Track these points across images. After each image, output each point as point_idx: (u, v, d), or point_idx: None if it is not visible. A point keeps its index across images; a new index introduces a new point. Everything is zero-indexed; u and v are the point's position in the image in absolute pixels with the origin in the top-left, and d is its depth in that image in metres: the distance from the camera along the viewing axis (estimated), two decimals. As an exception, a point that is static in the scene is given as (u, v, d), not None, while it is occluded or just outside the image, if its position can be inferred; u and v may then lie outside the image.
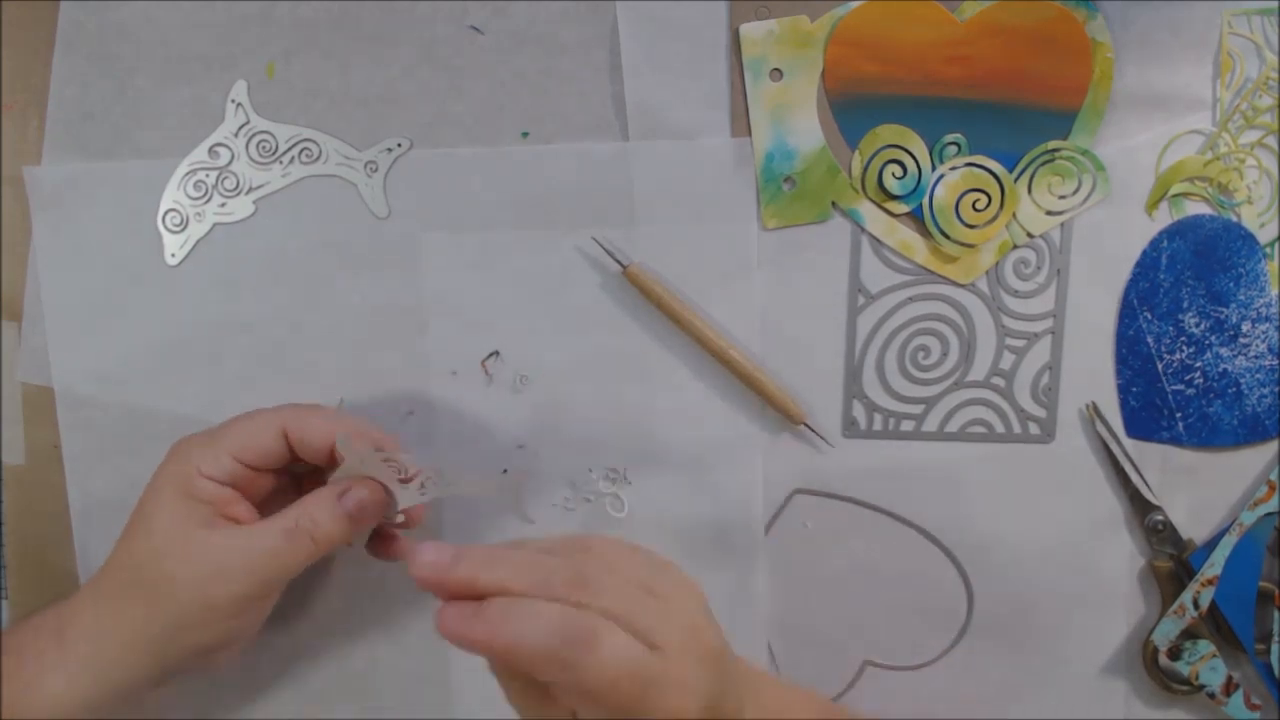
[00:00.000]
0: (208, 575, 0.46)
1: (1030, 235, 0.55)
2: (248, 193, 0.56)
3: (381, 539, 0.51)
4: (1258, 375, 0.55)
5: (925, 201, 0.55)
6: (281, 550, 0.47)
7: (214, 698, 0.59)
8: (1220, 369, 0.55)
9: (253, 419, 0.49)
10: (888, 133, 0.55)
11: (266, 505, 0.50)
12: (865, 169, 0.55)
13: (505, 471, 0.57)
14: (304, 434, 0.49)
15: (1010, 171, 0.54)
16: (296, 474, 0.53)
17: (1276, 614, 0.54)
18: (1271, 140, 0.54)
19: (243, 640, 0.50)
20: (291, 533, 0.47)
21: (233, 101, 0.56)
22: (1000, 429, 0.56)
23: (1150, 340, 0.55)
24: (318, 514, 0.47)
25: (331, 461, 0.49)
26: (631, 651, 0.40)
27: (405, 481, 0.48)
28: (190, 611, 0.47)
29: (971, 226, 0.55)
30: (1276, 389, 0.55)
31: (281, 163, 0.56)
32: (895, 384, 0.56)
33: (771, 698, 0.50)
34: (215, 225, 0.57)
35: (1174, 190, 0.54)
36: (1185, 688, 0.56)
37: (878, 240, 0.56)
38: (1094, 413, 0.55)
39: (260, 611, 0.50)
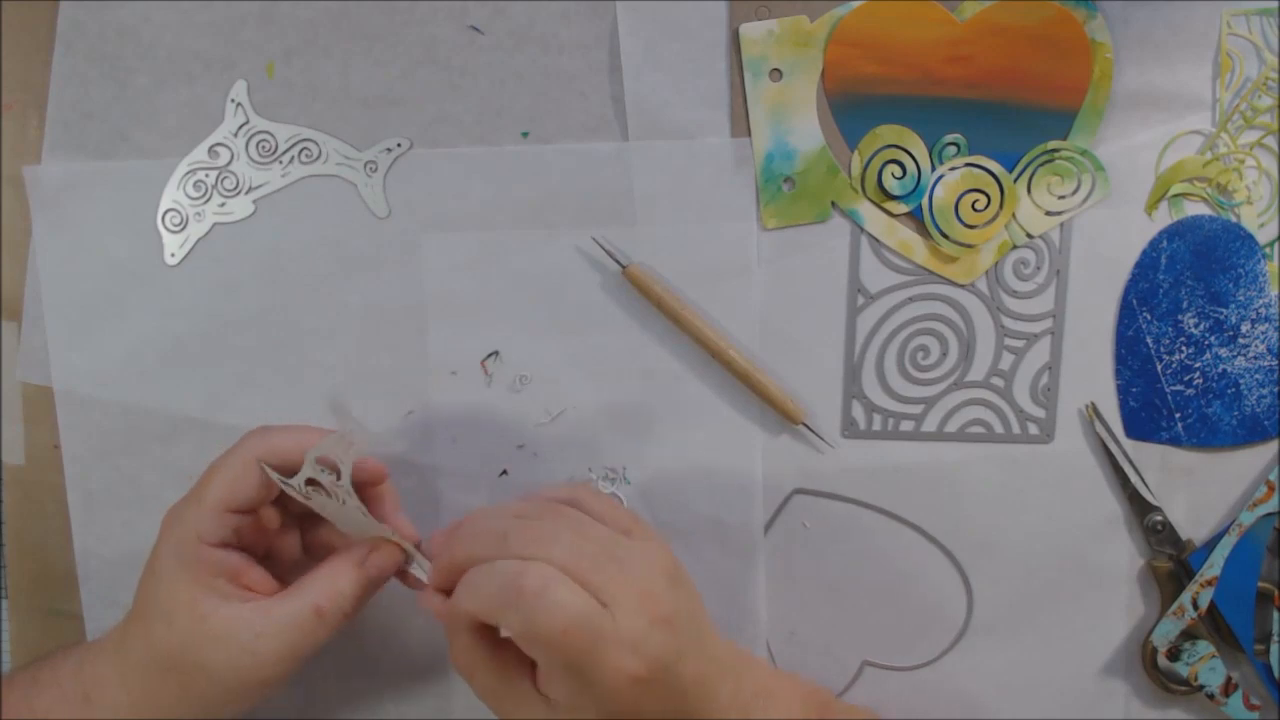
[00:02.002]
0: (241, 663, 0.46)
1: (1030, 235, 0.55)
2: (247, 192, 0.56)
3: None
4: (1257, 376, 0.55)
5: (925, 202, 0.55)
6: (313, 629, 0.47)
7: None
8: (1219, 369, 0.55)
9: (228, 463, 0.48)
10: (887, 133, 0.55)
11: (277, 540, 0.50)
12: (865, 169, 0.55)
13: (505, 472, 0.57)
14: (281, 458, 0.47)
15: (1010, 172, 0.54)
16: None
17: (1276, 614, 0.54)
18: (1271, 140, 0.54)
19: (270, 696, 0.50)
20: (321, 611, 0.47)
21: (232, 101, 0.56)
22: (999, 429, 0.56)
23: (1150, 341, 0.55)
24: (344, 587, 0.47)
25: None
26: (579, 601, 0.42)
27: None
28: (225, 693, 0.47)
29: (971, 227, 0.55)
30: (1276, 389, 0.55)
31: (281, 163, 0.56)
32: (894, 384, 0.56)
33: (755, 679, 0.50)
34: (215, 225, 0.57)
35: (1173, 190, 0.54)
36: (1184, 688, 0.56)
37: (877, 240, 0.56)
38: (1093, 413, 0.56)
39: (290, 676, 0.49)
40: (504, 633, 0.43)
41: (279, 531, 0.51)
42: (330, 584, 0.47)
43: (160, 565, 0.47)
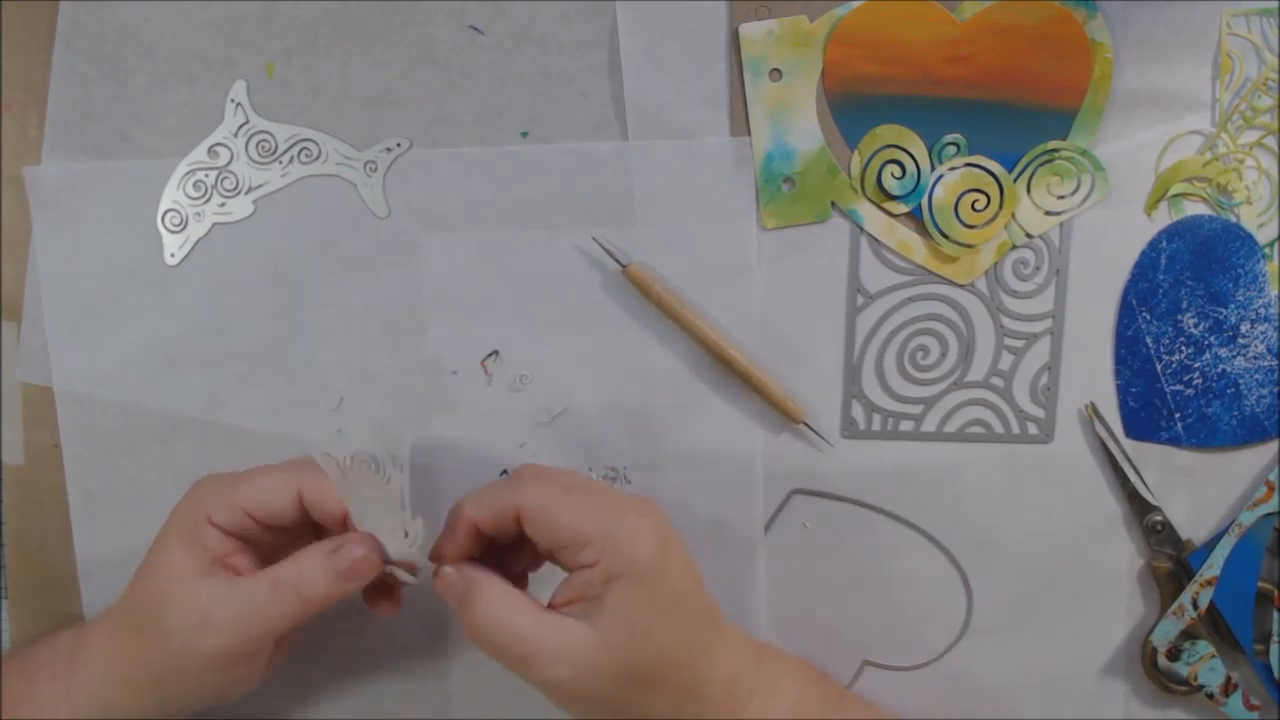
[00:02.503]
0: (194, 626, 0.46)
1: (1029, 235, 0.55)
2: (247, 193, 0.56)
3: (379, 591, 0.50)
4: (1256, 376, 0.55)
5: (924, 202, 0.55)
6: (266, 604, 0.46)
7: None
8: (1219, 369, 0.55)
9: (271, 475, 0.48)
10: (887, 133, 0.55)
11: (275, 559, 0.49)
12: (864, 169, 0.55)
13: (505, 472, 0.57)
14: (320, 500, 0.47)
15: (1009, 172, 0.54)
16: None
17: (1275, 614, 0.54)
18: (1271, 141, 0.54)
19: (241, 690, 0.49)
20: (277, 584, 0.46)
21: (232, 101, 0.56)
22: (999, 429, 0.56)
23: (1149, 341, 0.55)
24: (307, 570, 0.46)
25: (344, 528, 0.48)
26: (572, 479, 0.47)
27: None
28: (180, 662, 0.46)
29: (970, 227, 0.55)
30: (1275, 389, 0.55)
31: (281, 163, 0.56)
32: (894, 384, 0.56)
33: (761, 646, 0.52)
34: (215, 225, 0.57)
35: (1173, 191, 0.54)
36: (1184, 688, 0.56)
37: (877, 240, 0.56)
38: (1093, 413, 0.56)
39: (252, 667, 0.49)
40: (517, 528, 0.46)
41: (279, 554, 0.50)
42: (295, 564, 0.47)
43: (167, 526, 0.48)
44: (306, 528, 0.50)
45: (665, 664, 0.45)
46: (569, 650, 0.44)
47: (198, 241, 0.57)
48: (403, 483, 0.47)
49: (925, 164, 0.55)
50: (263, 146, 0.56)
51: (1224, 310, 0.55)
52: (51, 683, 0.48)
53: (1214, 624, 0.55)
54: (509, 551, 0.50)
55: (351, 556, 0.46)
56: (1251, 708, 0.55)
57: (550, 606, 0.46)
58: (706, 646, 0.46)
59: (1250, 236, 0.54)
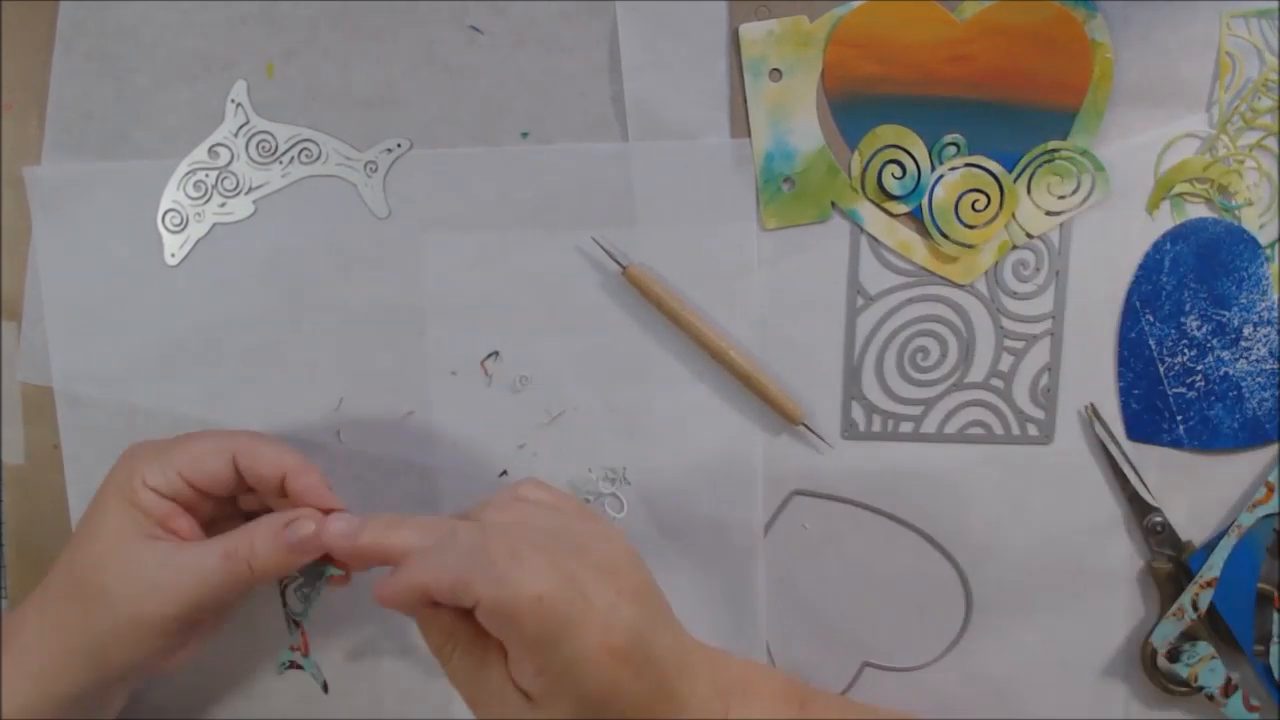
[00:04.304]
0: (141, 591, 0.46)
1: (1030, 235, 0.55)
2: (247, 193, 0.56)
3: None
4: (1259, 379, 0.55)
5: (924, 202, 0.55)
6: (216, 572, 0.46)
7: (211, 696, 0.59)
8: (1222, 372, 0.55)
9: (205, 439, 0.48)
10: (887, 133, 0.55)
11: (211, 530, 0.49)
12: (865, 169, 0.55)
13: (505, 472, 0.57)
14: (254, 464, 0.48)
15: (1010, 172, 0.54)
16: (248, 512, 0.52)
17: (1275, 615, 0.54)
18: (1271, 142, 0.54)
19: (185, 656, 0.49)
20: (230, 555, 0.46)
21: (232, 101, 0.56)
22: (999, 431, 0.56)
23: (1152, 343, 0.55)
24: (259, 541, 0.46)
25: (280, 495, 0.48)
26: (551, 568, 0.41)
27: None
28: (122, 626, 0.46)
29: (971, 227, 0.55)
30: (1277, 393, 0.54)
31: (281, 163, 0.56)
32: (894, 385, 0.56)
33: (731, 668, 0.50)
34: (215, 225, 0.57)
35: (1175, 191, 0.54)
36: (1184, 689, 0.56)
37: (877, 240, 0.55)
38: (1093, 414, 0.55)
39: (197, 633, 0.49)
40: (472, 607, 0.42)
41: (213, 525, 0.50)
42: (246, 534, 0.47)
43: (100, 494, 0.48)
44: (237, 514, 0.51)
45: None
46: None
47: (198, 242, 0.57)
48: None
49: (925, 164, 0.55)
50: (263, 147, 0.56)
51: (1227, 313, 0.55)
52: None
53: (1214, 625, 0.55)
54: None
55: (304, 533, 0.46)
56: (1252, 709, 0.55)
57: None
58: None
59: (1254, 240, 0.54)
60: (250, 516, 0.49)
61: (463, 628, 0.44)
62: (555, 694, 0.41)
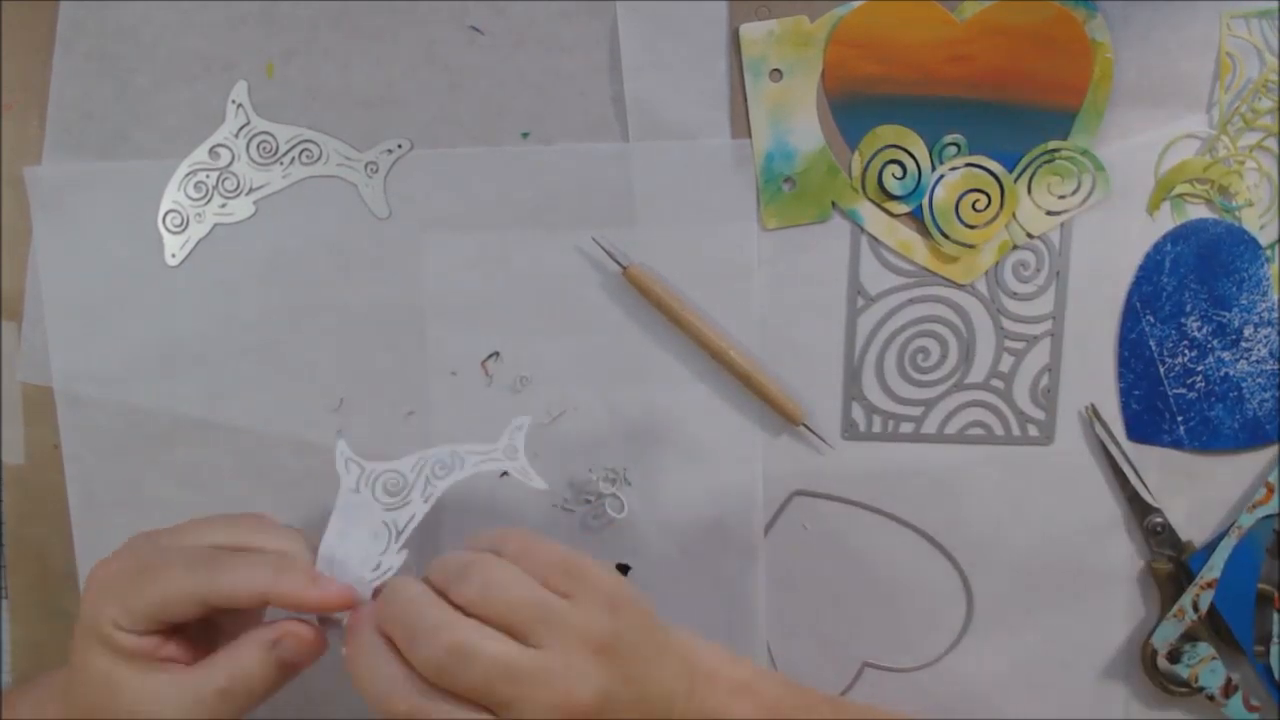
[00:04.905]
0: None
1: (1030, 235, 0.55)
2: (248, 193, 0.56)
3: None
4: (1259, 380, 0.55)
5: (925, 202, 0.55)
6: (221, 708, 0.44)
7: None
8: (1222, 373, 0.55)
9: (174, 579, 0.44)
10: (887, 133, 0.54)
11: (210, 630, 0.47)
12: (865, 169, 0.55)
13: (504, 474, 0.57)
14: (232, 601, 0.44)
15: (1010, 172, 0.54)
16: None
17: (1276, 616, 0.54)
18: (1271, 143, 0.54)
19: None
20: (226, 694, 0.44)
21: (233, 102, 0.56)
22: (999, 431, 0.56)
23: (1153, 344, 0.55)
24: (251, 667, 0.45)
25: (262, 606, 0.45)
26: (504, 655, 0.41)
27: (399, 507, 0.46)
28: None
29: (971, 227, 0.55)
30: (1277, 393, 0.54)
31: (282, 163, 0.56)
32: (894, 386, 0.56)
33: (730, 675, 0.48)
34: (215, 226, 0.57)
35: (1175, 191, 0.54)
36: (1184, 690, 0.56)
37: (877, 240, 0.55)
38: (1093, 415, 0.55)
39: None
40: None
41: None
42: (236, 663, 0.45)
43: (80, 634, 0.46)
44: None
45: None
46: None
47: (199, 242, 0.57)
48: (416, 513, 0.46)
49: (926, 164, 0.54)
50: (264, 147, 0.56)
51: (1227, 314, 0.55)
52: None
53: (1214, 626, 0.55)
54: None
55: (293, 649, 0.45)
56: (1252, 709, 0.55)
57: None
58: None
59: (1254, 241, 0.54)
60: None
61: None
62: None
